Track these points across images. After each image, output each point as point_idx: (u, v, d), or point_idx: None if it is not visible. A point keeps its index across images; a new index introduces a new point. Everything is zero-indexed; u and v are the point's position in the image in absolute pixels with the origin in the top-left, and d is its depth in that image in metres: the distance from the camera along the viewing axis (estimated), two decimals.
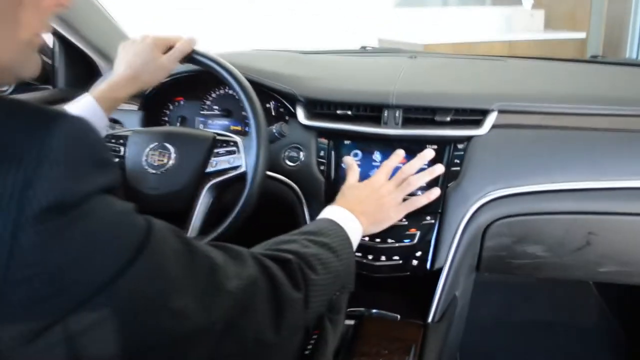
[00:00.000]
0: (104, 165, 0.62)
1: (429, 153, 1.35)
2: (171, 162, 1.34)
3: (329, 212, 1.14)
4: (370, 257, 1.35)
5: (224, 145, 1.35)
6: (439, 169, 1.33)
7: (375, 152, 1.45)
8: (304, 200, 1.46)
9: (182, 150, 1.35)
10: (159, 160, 1.34)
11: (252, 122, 1.29)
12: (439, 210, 1.36)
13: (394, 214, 1.27)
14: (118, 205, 0.63)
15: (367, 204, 1.21)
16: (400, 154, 1.36)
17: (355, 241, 1.10)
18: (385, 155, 1.43)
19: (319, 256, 0.93)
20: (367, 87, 1.52)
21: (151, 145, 1.36)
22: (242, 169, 1.31)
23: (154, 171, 1.34)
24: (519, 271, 1.52)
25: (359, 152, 1.46)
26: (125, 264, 0.61)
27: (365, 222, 1.17)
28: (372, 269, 1.35)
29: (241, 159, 1.32)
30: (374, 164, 1.44)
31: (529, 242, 1.42)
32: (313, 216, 1.42)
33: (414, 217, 1.34)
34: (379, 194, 1.25)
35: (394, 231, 1.32)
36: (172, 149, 1.35)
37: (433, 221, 1.35)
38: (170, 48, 1.36)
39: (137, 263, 0.61)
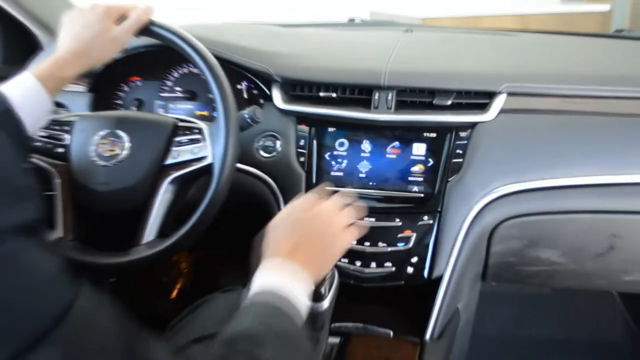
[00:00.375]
0: (19, 196, 0.57)
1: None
2: (124, 152, 1.32)
3: (272, 280, 0.92)
4: (358, 263, 1.34)
5: (187, 132, 1.33)
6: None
7: (364, 142, 1.44)
8: (280, 197, 1.45)
9: (138, 138, 1.33)
10: (110, 150, 1.32)
11: (219, 105, 1.27)
12: (439, 209, 1.35)
13: (341, 246, 1.05)
14: (37, 260, 0.56)
15: (311, 240, 1.01)
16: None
17: (304, 312, 0.92)
18: (376, 146, 1.42)
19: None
20: (354, 65, 1.51)
21: (101, 133, 1.33)
22: (208, 161, 1.29)
23: (104, 163, 1.32)
24: (531, 280, 1.52)
25: (344, 141, 1.45)
26: (16, 352, 0.52)
27: (312, 272, 0.97)
28: (360, 278, 1.34)
29: (207, 148, 1.30)
30: (362, 155, 1.43)
31: (543, 246, 1.41)
32: None
33: (409, 217, 1.33)
34: (320, 217, 1.04)
35: (386, 233, 1.32)
36: (125, 137, 1.33)
37: (431, 221, 1.35)
38: (123, 18, 1.34)
39: (32, 355, 0.53)
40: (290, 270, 0.93)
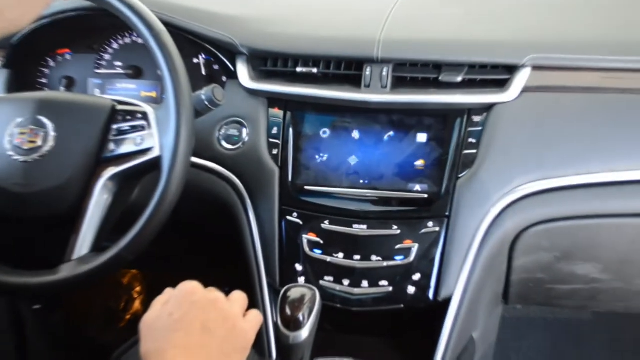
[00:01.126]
0: None
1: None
2: (49, 144, 1.32)
3: None
4: (346, 282, 1.35)
5: (129, 118, 1.33)
6: None
7: (352, 129, 1.45)
8: (248, 201, 1.46)
9: (66, 127, 1.33)
10: (30, 142, 1.32)
11: (168, 84, 1.27)
12: (447, 213, 1.36)
13: (251, 332, 1.07)
14: None
15: (212, 337, 1.01)
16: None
17: None
18: (368, 134, 1.43)
19: None
20: (340, 32, 1.52)
21: (19, 120, 1.33)
22: (155, 153, 1.29)
23: (22, 158, 1.31)
24: (565, 302, 1.53)
25: (328, 129, 1.46)
26: None
27: None
28: (349, 301, 1.35)
29: (153, 138, 1.30)
30: (351, 146, 1.44)
31: (580, 258, 1.43)
32: (262, 223, 1.42)
33: (410, 223, 1.34)
34: (221, 315, 1.05)
35: (381, 244, 1.33)
36: (50, 125, 1.33)
37: (437, 229, 1.36)
38: None
39: None
40: None
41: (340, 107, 1.45)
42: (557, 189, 1.36)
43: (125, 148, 1.32)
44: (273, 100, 1.50)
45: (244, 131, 1.49)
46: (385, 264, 1.34)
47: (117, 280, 2.43)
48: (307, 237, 1.41)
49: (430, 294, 1.34)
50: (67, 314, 2.11)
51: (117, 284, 2.46)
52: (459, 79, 1.41)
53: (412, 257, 1.34)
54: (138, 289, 2.46)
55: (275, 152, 1.47)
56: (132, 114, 1.34)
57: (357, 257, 1.35)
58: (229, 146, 1.49)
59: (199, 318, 1.00)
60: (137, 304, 2.46)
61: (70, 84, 1.69)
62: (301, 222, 1.42)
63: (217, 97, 1.36)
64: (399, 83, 1.43)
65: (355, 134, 1.45)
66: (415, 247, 1.35)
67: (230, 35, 1.53)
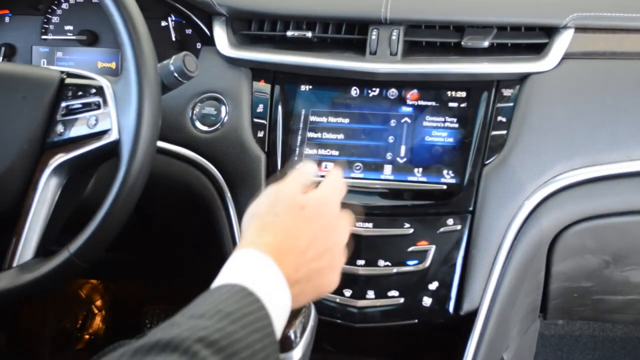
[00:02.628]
0: None
1: None
2: None
3: (249, 272, 0.98)
4: (347, 292, 1.34)
5: (80, 94, 1.33)
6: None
7: (355, 108, 1.45)
8: (228, 194, 1.46)
9: (2, 105, 1.33)
10: None
11: (127, 51, 1.26)
12: (470, 208, 1.36)
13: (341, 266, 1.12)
14: None
15: (311, 263, 1.05)
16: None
17: (279, 336, 0.97)
18: (374, 112, 1.43)
19: None
20: None
21: None
22: (113, 137, 1.28)
23: None
24: (617, 316, 1.53)
25: (324, 107, 1.46)
26: None
27: (298, 297, 1.02)
28: (351, 315, 1.34)
29: (110, 118, 1.29)
30: (353, 127, 1.44)
31: (634, 263, 1.43)
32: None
33: (425, 220, 1.34)
34: (332, 247, 1.09)
35: (390, 246, 1.32)
36: None
37: (459, 227, 1.35)
38: None
39: None
40: (278, 282, 0.97)
41: (340, 79, 1.45)
42: (607, 177, 1.35)
43: (76, 130, 1.31)
44: (258, 71, 1.50)
45: (223, 109, 1.49)
46: (395, 270, 1.34)
47: (73, 292, 2.43)
48: None
49: (451, 307, 1.33)
50: (12, 335, 2.11)
51: (73, 297, 2.46)
52: (486, 43, 1.40)
53: (428, 262, 1.33)
54: (99, 302, 2.46)
55: (260, 134, 1.47)
56: (84, 89, 1.33)
57: (361, 262, 1.34)
58: (205, 128, 1.49)
59: (311, 228, 1.04)
60: (97, 321, 2.46)
61: (10, 53, 1.69)
62: None
63: (188, 68, 1.35)
64: (412, 49, 1.43)
65: (359, 113, 1.45)
66: (431, 250, 1.34)
67: None
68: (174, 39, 1.61)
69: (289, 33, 1.47)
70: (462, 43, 1.41)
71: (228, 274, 0.96)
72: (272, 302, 0.92)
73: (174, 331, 0.80)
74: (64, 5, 1.69)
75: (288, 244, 1.01)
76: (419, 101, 1.41)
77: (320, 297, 1.08)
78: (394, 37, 1.42)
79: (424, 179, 1.39)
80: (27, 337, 2.20)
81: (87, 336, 2.39)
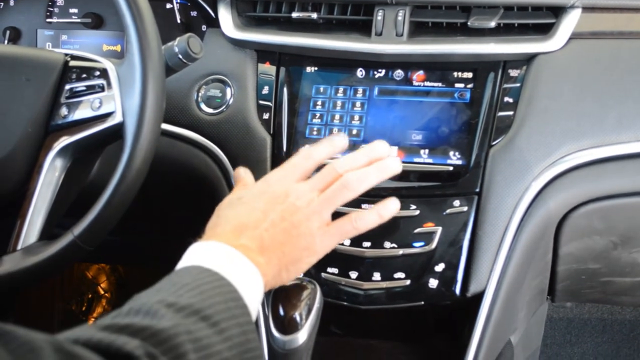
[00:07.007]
0: None
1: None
2: None
3: (202, 256, 1.04)
4: (353, 274, 1.34)
5: (84, 76, 1.33)
6: (393, 167, 1.22)
7: (361, 89, 1.45)
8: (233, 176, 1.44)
9: (6, 88, 1.32)
10: None
11: (132, 33, 1.25)
12: (477, 189, 1.35)
13: (320, 244, 1.14)
14: None
15: (270, 230, 1.10)
16: (335, 143, 1.25)
17: (252, 307, 1.01)
18: (380, 93, 1.42)
19: (192, 335, 0.88)
20: None
21: None
22: (117, 119, 1.27)
23: None
24: (626, 299, 1.52)
25: (330, 89, 1.46)
26: None
27: (269, 267, 1.07)
28: (357, 297, 1.34)
29: (115, 100, 1.29)
30: (358, 108, 1.44)
31: None
32: None
33: (431, 201, 1.34)
34: (289, 207, 1.13)
35: (396, 227, 1.32)
36: None
37: (465, 208, 1.35)
38: None
39: None
40: (240, 260, 1.02)
41: (346, 60, 1.45)
42: (615, 158, 1.35)
43: (81, 113, 1.31)
44: (263, 53, 1.50)
45: (228, 91, 1.49)
46: (401, 252, 1.33)
47: (79, 274, 2.44)
48: None
49: (457, 289, 1.32)
50: (18, 318, 2.12)
51: (80, 279, 2.46)
52: (493, 24, 1.40)
53: (434, 244, 1.33)
54: (104, 284, 2.46)
55: (266, 116, 1.47)
56: (89, 71, 1.33)
57: (367, 243, 1.33)
58: (210, 110, 1.49)
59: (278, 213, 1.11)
60: (103, 304, 2.47)
61: (15, 36, 1.69)
62: None
63: (193, 50, 1.34)
64: (418, 30, 1.43)
65: (364, 94, 1.44)
66: (438, 231, 1.33)
67: None
68: (179, 21, 1.61)
69: (294, 14, 1.47)
70: (469, 23, 1.40)
71: (181, 264, 1.03)
72: (232, 272, 0.98)
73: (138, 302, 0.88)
74: None
75: (241, 222, 1.09)
76: (425, 82, 1.40)
77: (307, 261, 1.12)
78: (399, 18, 1.41)
79: (430, 160, 1.39)
80: (32, 320, 2.20)
81: (92, 320, 2.39)
